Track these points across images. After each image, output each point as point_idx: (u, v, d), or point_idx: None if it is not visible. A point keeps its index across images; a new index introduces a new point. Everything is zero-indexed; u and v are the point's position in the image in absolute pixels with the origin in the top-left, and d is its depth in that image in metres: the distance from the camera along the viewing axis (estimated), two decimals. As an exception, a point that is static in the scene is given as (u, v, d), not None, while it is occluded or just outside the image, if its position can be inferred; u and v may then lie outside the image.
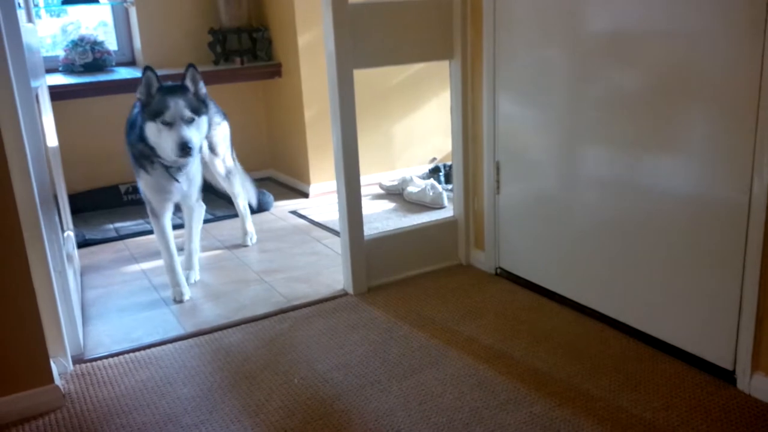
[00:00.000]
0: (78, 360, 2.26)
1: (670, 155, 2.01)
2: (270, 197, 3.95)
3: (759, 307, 1.83)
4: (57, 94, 3.34)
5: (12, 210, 1.88)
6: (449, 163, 3.88)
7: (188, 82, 2.51)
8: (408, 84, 4.21)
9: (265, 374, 2.12)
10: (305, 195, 4.15)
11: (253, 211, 3.45)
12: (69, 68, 3.80)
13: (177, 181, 2.60)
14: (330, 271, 2.93)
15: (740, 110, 1.79)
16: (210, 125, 2.66)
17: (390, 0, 2.65)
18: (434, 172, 4.06)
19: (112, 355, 2.30)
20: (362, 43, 2.52)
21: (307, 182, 4.13)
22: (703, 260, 1.97)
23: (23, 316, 1.96)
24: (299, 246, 3.30)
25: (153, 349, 2.33)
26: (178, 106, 2.42)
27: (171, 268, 2.73)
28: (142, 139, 2.49)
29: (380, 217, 3.59)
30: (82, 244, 3.34)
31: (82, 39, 3.81)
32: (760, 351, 1.86)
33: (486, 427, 1.80)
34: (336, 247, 3.13)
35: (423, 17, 2.66)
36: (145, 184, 2.63)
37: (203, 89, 2.56)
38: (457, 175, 2.89)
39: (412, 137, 4.36)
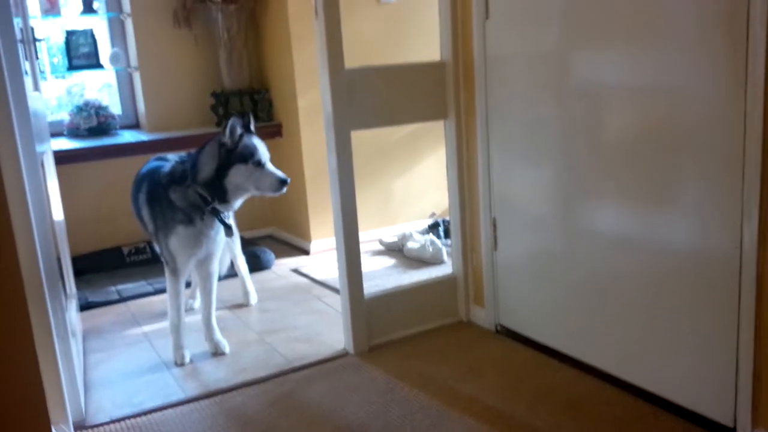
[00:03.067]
0: (79, 426, 2.26)
1: (663, 209, 2.05)
2: (271, 255, 3.98)
3: (755, 362, 1.84)
4: (62, 158, 3.41)
5: (17, 278, 1.91)
6: (448, 218, 3.92)
7: (252, 129, 2.65)
8: (406, 140, 4.29)
9: (265, 439, 2.11)
10: (306, 252, 4.18)
11: (251, 270, 3.46)
12: (74, 132, 3.89)
13: (228, 226, 2.68)
14: (331, 330, 2.94)
15: (727, 166, 1.83)
16: None
17: (385, 65, 2.74)
18: (433, 228, 4.10)
19: (113, 421, 2.29)
20: (359, 105, 2.59)
21: (308, 239, 4.17)
22: (700, 315, 1.98)
23: (25, 382, 1.96)
24: (300, 305, 3.32)
25: (154, 414, 2.32)
26: (263, 146, 2.59)
27: (176, 329, 2.73)
28: (209, 184, 2.55)
29: (380, 273, 3.61)
30: (84, 306, 3.36)
31: (86, 104, 3.91)
32: (759, 407, 1.86)
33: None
34: (337, 305, 3.14)
35: (417, 80, 2.74)
36: (177, 240, 2.62)
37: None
38: (455, 231, 2.93)
39: (410, 193, 4.41)
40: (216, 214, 2.62)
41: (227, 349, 2.78)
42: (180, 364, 2.70)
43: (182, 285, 2.72)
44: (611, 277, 2.26)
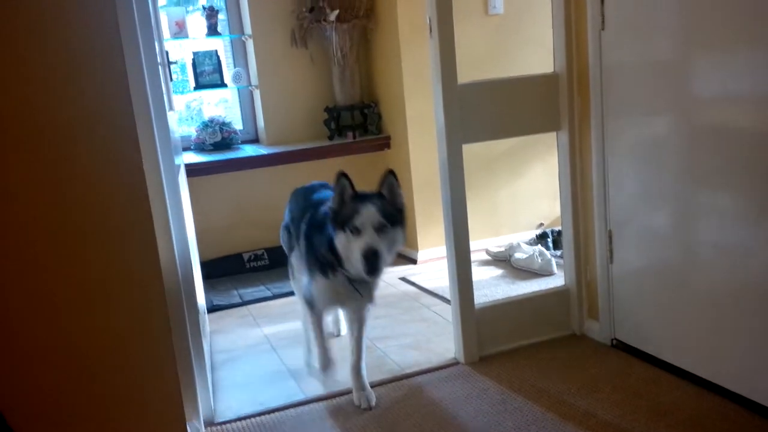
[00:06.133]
0: (209, 423, 2.43)
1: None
2: (380, 263, 4.08)
3: None
4: (190, 171, 3.68)
5: (159, 283, 2.09)
6: (557, 228, 3.87)
7: (385, 191, 2.28)
8: (513, 149, 4.28)
9: (382, 442, 2.20)
10: (413, 261, 4.26)
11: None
12: (200, 147, 4.18)
13: (360, 294, 2.39)
14: (440, 339, 2.99)
15: None
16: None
17: (498, 78, 2.77)
18: (542, 238, 4.06)
19: (240, 419, 2.45)
20: (471, 118, 2.63)
21: (416, 248, 4.24)
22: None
23: (165, 381, 2.13)
24: (409, 313, 3.39)
25: (277, 413, 2.46)
26: (370, 211, 2.18)
27: (325, 359, 2.55)
28: (331, 248, 2.28)
29: (488, 284, 3.63)
30: (210, 309, 3.60)
31: (212, 120, 4.19)
32: None
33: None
34: (445, 314, 3.19)
35: (530, 92, 2.75)
36: (317, 286, 2.43)
37: (401, 198, 2.30)
38: (567, 243, 2.90)
39: (517, 203, 4.39)
40: (349, 280, 2.33)
41: (374, 402, 2.47)
42: (324, 368, 2.56)
43: (323, 320, 2.55)
44: (733, 291, 2.17)
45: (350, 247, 2.19)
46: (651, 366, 2.54)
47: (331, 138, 4.30)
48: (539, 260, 3.71)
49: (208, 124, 4.18)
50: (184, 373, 2.22)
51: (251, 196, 4.26)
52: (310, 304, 2.50)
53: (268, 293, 3.78)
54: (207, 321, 3.30)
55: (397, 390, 2.55)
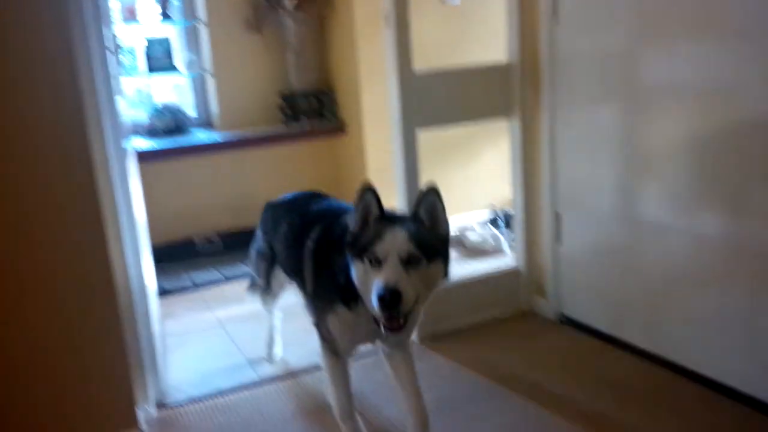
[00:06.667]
0: (162, 406, 2.41)
1: (730, 204, 2.07)
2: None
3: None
4: (142, 156, 3.61)
5: (106, 266, 2.06)
6: (509, 209, 3.95)
7: (422, 213, 1.71)
8: (465, 133, 4.30)
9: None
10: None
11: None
12: (152, 132, 4.11)
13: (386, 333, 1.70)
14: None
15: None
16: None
17: (452, 67, 2.81)
18: (494, 219, 4.14)
19: (193, 401, 2.44)
20: (425, 106, 2.67)
21: (370, 234, 4.27)
22: (765, 308, 1.98)
23: (113, 366, 2.11)
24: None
25: (231, 396, 2.46)
26: (397, 236, 1.62)
27: (349, 417, 2.00)
28: (348, 277, 1.72)
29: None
30: (161, 293, 3.55)
31: (164, 106, 4.13)
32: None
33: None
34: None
35: (483, 81, 2.81)
36: (337, 319, 1.89)
37: (446, 226, 1.73)
38: (519, 225, 2.98)
39: (470, 185, 4.44)
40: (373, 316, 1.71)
41: None
42: None
43: (345, 366, 2.00)
44: (676, 269, 2.28)
45: (367, 282, 1.64)
46: (597, 340, 2.63)
47: (286, 124, 4.29)
48: (491, 241, 3.80)
49: (161, 110, 4.12)
50: (133, 357, 2.20)
51: (204, 182, 4.22)
52: (332, 347, 1.96)
53: (220, 277, 3.77)
54: (158, 305, 3.26)
55: (355, 370, 2.57)
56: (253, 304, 3.06)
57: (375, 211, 1.70)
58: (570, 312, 2.80)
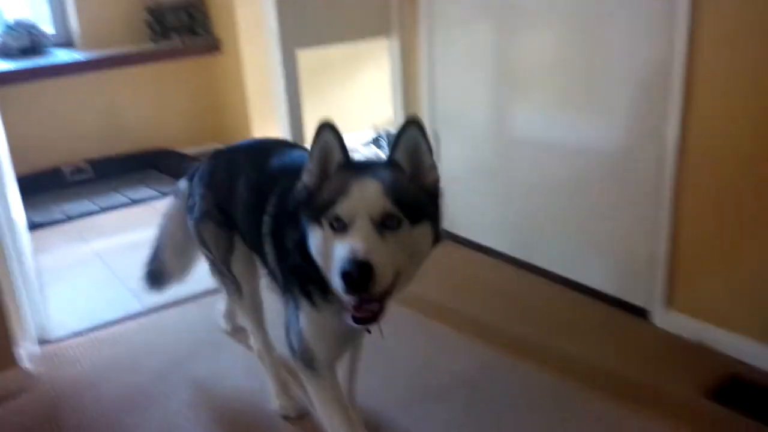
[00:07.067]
0: (44, 342, 2.33)
1: (594, 116, 2.24)
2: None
3: (671, 254, 2.08)
4: (-6, 79, 3.31)
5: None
6: (391, 128, 4.00)
7: (401, 156, 1.30)
8: (345, 52, 4.25)
9: (228, 342, 2.25)
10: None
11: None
12: (5, 53, 3.74)
13: (368, 331, 1.41)
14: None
15: (651, 77, 2.01)
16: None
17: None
18: (376, 139, 4.19)
19: (77, 335, 2.38)
20: (304, 24, 2.61)
21: (253, 156, 4.20)
22: (625, 213, 2.21)
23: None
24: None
25: (116, 327, 2.42)
26: (367, 191, 1.23)
27: None
28: (305, 255, 1.32)
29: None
30: (31, 227, 3.34)
31: (17, 23, 3.75)
32: (672, 292, 2.11)
33: (438, 371, 2.01)
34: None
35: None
36: (310, 323, 1.46)
37: (434, 172, 1.33)
38: (399, 145, 3.04)
39: (350, 105, 4.44)
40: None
41: None
42: None
43: (335, 384, 1.54)
44: (546, 181, 2.45)
45: (328, 256, 1.24)
46: (473, 251, 2.81)
47: (155, 41, 4.03)
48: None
49: (13, 27, 3.74)
50: (7, 295, 2.10)
51: (68, 107, 3.93)
52: (306, 359, 1.50)
53: (95, 207, 3.60)
54: (29, 240, 3.08)
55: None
56: (134, 232, 2.96)
57: (337, 156, 1.30)
58: (448, 225, 2.94)
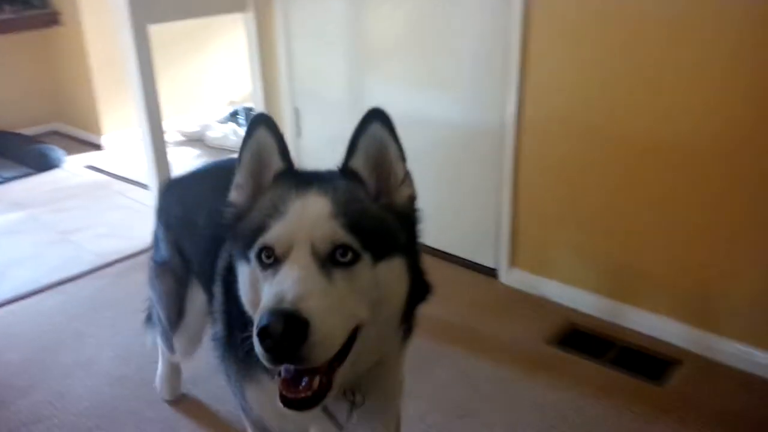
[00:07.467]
0: None
1: (442, 89, 2.39)
2: (60, 152, 3.77)
3: (513, 218, 2.30)
4: None
5: None
6: (248, 105, 3.98)
7: (359, 162, 1.04)
8: (198, 25, 4.14)
9: (92, 330, 2.20)
10: (98, 147, 4.02)
11: (41, 169, 3.25)
12: None
13: (340, 427, 1.07)
14: (142, 224, 2.96)
15: (492, 52, 2.19)
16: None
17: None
18: (233, 116, 4.15)
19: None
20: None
21: (99, 133, 4.01)
22: (472, 180, 2.41)
23: None
24: (102, 201, 3.27)
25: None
26: (309, 210, 0.92)
27: None
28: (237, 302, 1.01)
29: (187, 165, 3.63)
30: None
31: None
32: (515, 252, 2.35)
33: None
34: (143, 200, 3.16)
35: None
36: (255, 399, 1.15)
37: (408, 188, 1.09)
38: (259, 121, 3.05)
39: (205, 80, 4.36)
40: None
41: None
42: None
43: None
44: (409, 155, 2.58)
45: (256, 302, 0.90)
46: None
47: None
48: (233, 138, 3.82)
49: None
50: None
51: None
52: None
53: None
54: None
55: (101, 278, 2.53)
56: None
57: (275, 162, 0.99)
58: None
